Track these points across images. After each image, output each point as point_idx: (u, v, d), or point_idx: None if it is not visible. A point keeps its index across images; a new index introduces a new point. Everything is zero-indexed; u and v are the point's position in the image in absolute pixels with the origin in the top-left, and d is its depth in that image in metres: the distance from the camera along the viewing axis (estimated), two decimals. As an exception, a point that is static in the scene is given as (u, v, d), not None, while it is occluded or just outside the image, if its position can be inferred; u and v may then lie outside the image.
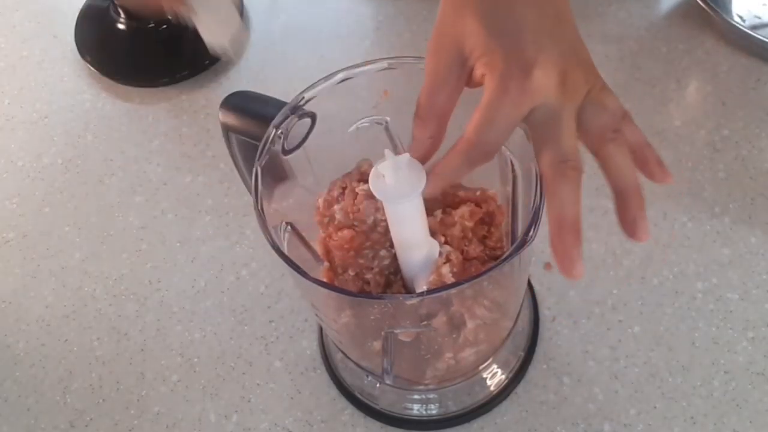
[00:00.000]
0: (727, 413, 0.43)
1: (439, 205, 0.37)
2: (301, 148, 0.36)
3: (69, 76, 0.64)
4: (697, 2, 0.57)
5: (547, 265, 0.49)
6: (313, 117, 0.36)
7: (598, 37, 0.60)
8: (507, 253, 0.31)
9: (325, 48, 0.63)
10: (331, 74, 0.36)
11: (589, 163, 0.55)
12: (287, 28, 0.64)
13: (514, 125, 0.30)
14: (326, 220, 0.38)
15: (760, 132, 0.54)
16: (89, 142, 0.59)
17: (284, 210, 0.37)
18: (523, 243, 0.31)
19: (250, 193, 0.34)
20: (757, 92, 0.56)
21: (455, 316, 0.35)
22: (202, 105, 0.60)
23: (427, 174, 0.31)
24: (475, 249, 0.36)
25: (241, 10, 0.65)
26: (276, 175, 0.36)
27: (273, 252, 0.32)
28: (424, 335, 0.37)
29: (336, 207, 0.37)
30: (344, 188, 0.37)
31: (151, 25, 0.63)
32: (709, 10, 0.57)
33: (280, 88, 0.59)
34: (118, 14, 0.64)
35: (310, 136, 0.36)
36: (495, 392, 0.45)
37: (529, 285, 0.48)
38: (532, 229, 0.31)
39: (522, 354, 0.46)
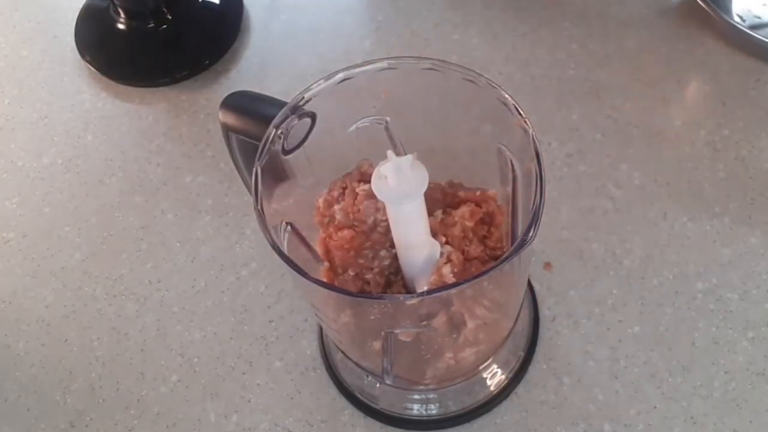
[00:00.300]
0: (727, 413, 0.43)
1: (440, 206, 0.37)
2: (301, 148, 0.36)
3: (69, 76, 0.64)
4: (697, 2, 0.57)
5: (547, 265, 0.49)
6: (313, 117, 0.36)
7: (599, 37, 0.60)
8: (507, 253, 0.31)
9: (325, 48, 0.63)
10: (331, 74, 0.35)
11: (589, 162, 0.55)
12: (287, 28, 0.64)
13: None
14: (326, 220, 0.38)
15: (760, 132, 0.54)
16: (89, 142, 0.59)
17: (284, 210, 0.37)
18: (523, 243, 0.31)
19: (250, 193, 0.34)
20: (757, 92, 0.56)
21: (455, 316, 0.35)
22: (202, 105, 0.60)
23: None
24: (475, 249, 0.36)
25: (241, 10, 0.65)
26: (276, 175, 0.36)
27: (273, 252, 0.32)
28: (424, 335, 0.37)
29: (336, 207, 0.37)
30: (344, 188, 0.37)
31: (151, 25, 0.63)
32: (709, 10, 0.57)
33: (280, 88, 0.59)
34: (118, 14, 0.64)
35: (310, 136, 0.36)
36: (495, 392, 0.45)
37: (529, 285, 0.48)
38: (532, 229, 0.31)
39: (522, 354, 0.46)
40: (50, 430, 0.47)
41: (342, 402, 0.46)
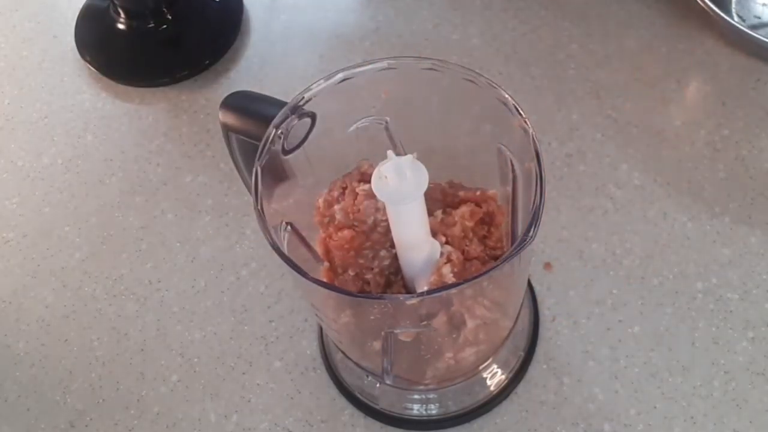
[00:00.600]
0: (727, 413, 0.43)
1: (440, 206, 0.37)
2: (301, 148, 0.36)
3: (69, 76, 0.64)
4: (697, 2, 0.57)
5: (547, 265, 0.49)
6: (313, 117, 0.36)
7: (598, 37, 0.60)
8: (507, 253, 0.31)
9: (325, 48, 0.63)
10: (331, 74, 0.35)
11: (589, 162, 0.55)
12: (287, 28, 0.64)
13: None
14: (326, 220, 0.38)
15: (760, 132, 0.54)
16: (89, 142, 0.60)
17: (284, 210, 0.37)
18: (523, 243, 0.31)
19: (250, 193, 0.34)
20: (757, 92, 0.56)
21: (455, 316, 0.35)
22: (202, 105, 0.60)
23: None
24: (475, 249, 0.36)
25: (241, 10, 0.65)
26: (276, 175, 0.36)
27: (273, 252, 0.32)
28: (424, 335, 0.37)
29: (336, 207, 0.37)
30: (344, 188, 0.37)
31: (151, 25, 0.63)
32: (709, 10, 0.57)
33: (280, 88, 0.59)
34: (118, 14, 0.64)
35: (310, 136, 0.36)
36: (495, 392, 0.45)
37: (529, 285, 0.48)
38: (532, 229, 0.31)
39: (522, 354, 0.46)
40: (50, 430, 0.47)
41: (342, 402, 0.46)
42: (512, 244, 0.35)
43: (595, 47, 0.59)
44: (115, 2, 0.63)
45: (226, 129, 0.39)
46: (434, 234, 0.35)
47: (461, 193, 0.38)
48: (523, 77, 0.58)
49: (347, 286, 0.37)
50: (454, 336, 0.37)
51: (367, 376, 0.44)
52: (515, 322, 0.42)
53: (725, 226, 0.50)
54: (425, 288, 0.35)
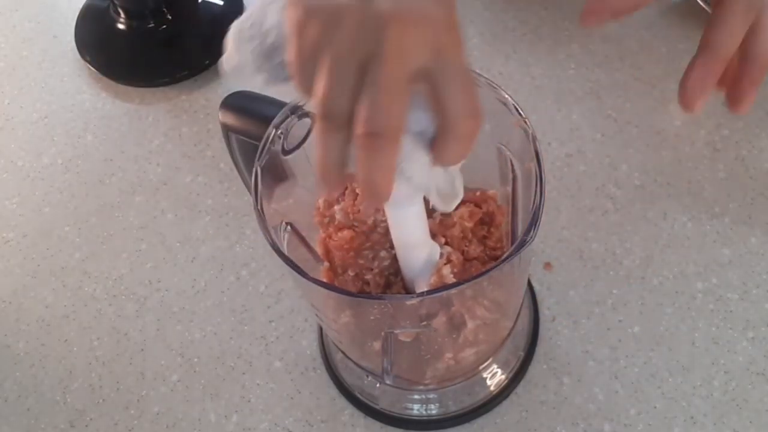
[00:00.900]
0: (727, 413, 0.43)
1: (439, 206, 0.37)
2: (301, 148, 0.36)
3: (69, 76, 0.64)
4: (697, 2, 0.57)
5: (547, 265, 0.49)
6: (313, 117, 0.36)
7: (598, 37, 0.60)
8: (507, 253, 0.31)
9: (325, 48, 0.62)
10: (331, 74, 0.35)
11: (589, 162, 0.55)
12: (287, 28, 0.64)
13: None
14: (326, 220, 0.38)
15: (760, 132, 0.54)
16: (89, 142, 0.60)
17: (284, 210, 0.37)
18: (523, 243, 0.31)
19: (250, 193, 0.34)
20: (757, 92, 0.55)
21: (455, 317, 0.35)
22: (202, 105, 0.60)
23: None
24: (475, 249, 0.36)
25: (241, 10, 0.65)
26: (276, 175, 0.36)
27: (273, 252, 0.32)
28: (424, 335, 0.37)
29: (336, 207, 0.37)
30: (344, 188, 0.37)
31: (151, 25, 0.63)
32: (709, 11, 0.57)
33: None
34: (118, 14, 0.64)
35: (310, 136, 0.36)
36: (495, 392, 0.45)
37: (529, 285, 0.48)
38: (532, 229, 0.31)
39: (522, 354, 0.46)
40: (50, 430, 0.47)
41: (342, 402, 0.46)
42: (512, 244, 0.35)
43: (595, 47, 0.59)
44: (115, 2, 0.63)
45: (226, 129, 0.39)
46: (433, 235, 0.35)
47: (461, 194, 0.38)
48: (523, 77, 0.58)
49: (347, 287, 0.37)
50: (454, 336, 0.37)
51: (367, 376, 0.44)
52: (515, 322, 0.42)
53: (725, 226, 0.50)
54: (425, 289, 0.35)
